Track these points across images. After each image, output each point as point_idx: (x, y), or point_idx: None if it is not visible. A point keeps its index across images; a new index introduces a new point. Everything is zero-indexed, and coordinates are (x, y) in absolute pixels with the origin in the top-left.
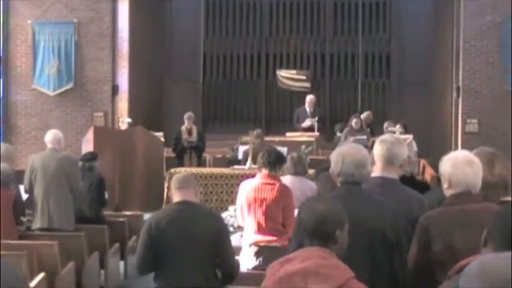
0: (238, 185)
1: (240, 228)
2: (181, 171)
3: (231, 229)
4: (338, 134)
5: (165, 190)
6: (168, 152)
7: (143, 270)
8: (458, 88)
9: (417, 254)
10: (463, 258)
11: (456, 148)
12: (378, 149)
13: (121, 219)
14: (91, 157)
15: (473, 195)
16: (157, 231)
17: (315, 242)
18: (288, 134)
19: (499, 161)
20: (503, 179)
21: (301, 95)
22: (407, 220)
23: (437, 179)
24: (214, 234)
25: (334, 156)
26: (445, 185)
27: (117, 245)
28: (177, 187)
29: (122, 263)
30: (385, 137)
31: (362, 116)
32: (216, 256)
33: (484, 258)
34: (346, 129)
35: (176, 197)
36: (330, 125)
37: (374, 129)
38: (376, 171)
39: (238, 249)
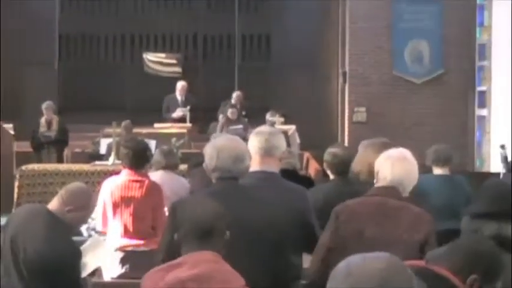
0: (100, 183)
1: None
2: (34, 168)
3: (93, 233)
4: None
5: (16, 190)
6: (21, 147)
7: None
8: (344, 73)
9: (326, 238)
10: (371, 246)
11: (343, 140)
12: (255, 142)
13: None
14: None
15: (396, 192)
16: None
17: (205, 246)
18: (156, 125)
19: (389, 149)
20: None
21: (172, 81)
22: (290, 215)
23: (323, 173)
24: None
25: (209, 150)
26: (375, 180)
27: None
28: None
29: None
30: (261, 128)
31: (233, 100)
32: None
33: (350, 258)
34: (221, 119)
35: None
36: (204, 115)
37: (251, 115)
38: (254, 166)
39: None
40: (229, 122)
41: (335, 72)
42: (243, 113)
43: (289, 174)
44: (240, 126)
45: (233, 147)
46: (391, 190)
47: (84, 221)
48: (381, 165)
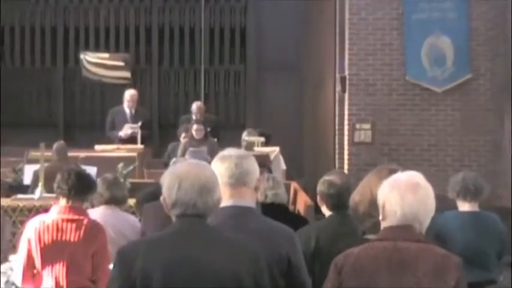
0: (24, 223)
1: None
2: None
3: None
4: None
5: None
6: None
7: None
8: (343, 79)
9: None
10: None
11: (341, 166)
12: (221, 169)
13: None
14: None
15: (412, 231)
16: None
17: None
18: (98, 147)
19: None
20: None
21: (118, 89)
22: (273, 262)
23: (315, 209)
24: None
25: (167, 179)
26: (380, 216)
27: None
28: None
29: None
30: (227, 151)
31: (193, 114)
32: None
33: None
34: (183, 139)
35: None
36: (160, 133)
37: (222, 135)
38: (224, 200)
39: None
40: (193, 142)
41: (330, 78)
42: (215, 138)
43: (277, 210)
44: (203, 148)
45: (199, 175)
46: (405, 230)
47: None
48: (387, 196)
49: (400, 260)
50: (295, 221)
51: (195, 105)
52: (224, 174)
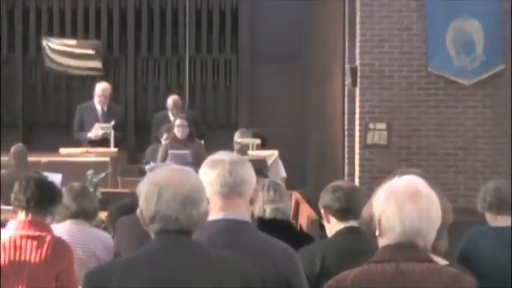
0: None
1: None
2: None
3: None
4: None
5: None
6: None
7: None
8: (353, 70)
9: None
10: None
11: (352, 174)
12: (212, 176)
13: None
14: None
15: (416, 249)
16: None
17: None
18: (63, 150)
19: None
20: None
21: (88, 82)
22: (269, 284)
23: (320, 225)
24: None
25: (145, 188)
26: (376, 232)
27: None
28: None
29: None
30: (220, 155)
31: (169, 111)
32: None
33: None
34: (164, 141)
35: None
36: (136, 134)
37: (209, 136)
38: (214, 212)
39: None
40: (176, 144)
41: (338, 70)
42: (201, 140)
43: (281, 227)
44: (185, 151)
45: (183, 183)
46: (407, 249)
47: None
48: (382, 208)
49: (403, 285)
50: (300, 239)
51: (170, 100)
52: (215, 182)
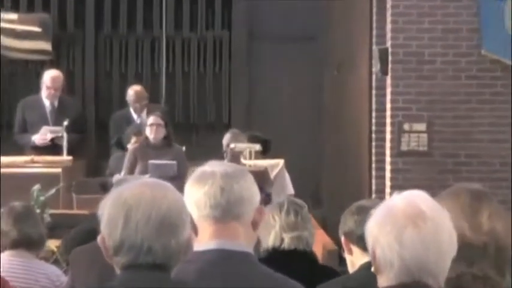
0: None
1: None
2: None
3: None
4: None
5: None
6: None
7: None
8: (383, 53)
9: None
10: None
11: (381, 190)
12: (200, 194)
13: None
14: None
15: None
16: None
17: None
18: (4, 159)
19: (488, 205)
20: (497, 239)
21: (33, 69)
22: None
23: (339, 257)
24: None
25: (108, 209)
26: (372, 267)
27: None
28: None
29: None
30: (211, 166)
31: (129, 97)
32: None
33: None
34: (132, 145)
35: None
36: (97, 138)
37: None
38: (203, 240)
39: None
40: (149, 150)
41: (364, 53)
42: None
43: (300, 260)
44: (172, 162)
45: (157, 202)
46: None
47: None
48: (376, 236)
49: None
50: (323, 275)
51: (131, 92)
52: (204, 202)
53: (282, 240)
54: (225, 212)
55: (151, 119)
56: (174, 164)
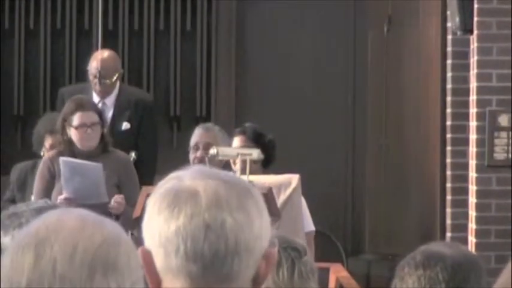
0: None
1: None
2: None
3: None
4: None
5: None
6: None
7: None
8: (466, 14)
9: None
10: None
11: (462, 227)
12: (168, 232)
13: None
14: None
15: None
16: None
17: None
18: None
19: None
20: None
21: None
22: None
23: None
24: None
25: (10, 250)
26: None
27: None
28: None
29: None
30: (190, 177)
31: (91, 70)
32: None
33: None
34: (47, 149)
35: None
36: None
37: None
38: None
39: None
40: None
41: (432, 16)
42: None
43: None
44: (96, 164)
45: (84, 239)
46: None
47: None
48: None
49: None
50: None
51: (94, 63)
52: (175, 245)
53: None
54: (208, 268)
55: (78, 116)
56: (99, 167)
